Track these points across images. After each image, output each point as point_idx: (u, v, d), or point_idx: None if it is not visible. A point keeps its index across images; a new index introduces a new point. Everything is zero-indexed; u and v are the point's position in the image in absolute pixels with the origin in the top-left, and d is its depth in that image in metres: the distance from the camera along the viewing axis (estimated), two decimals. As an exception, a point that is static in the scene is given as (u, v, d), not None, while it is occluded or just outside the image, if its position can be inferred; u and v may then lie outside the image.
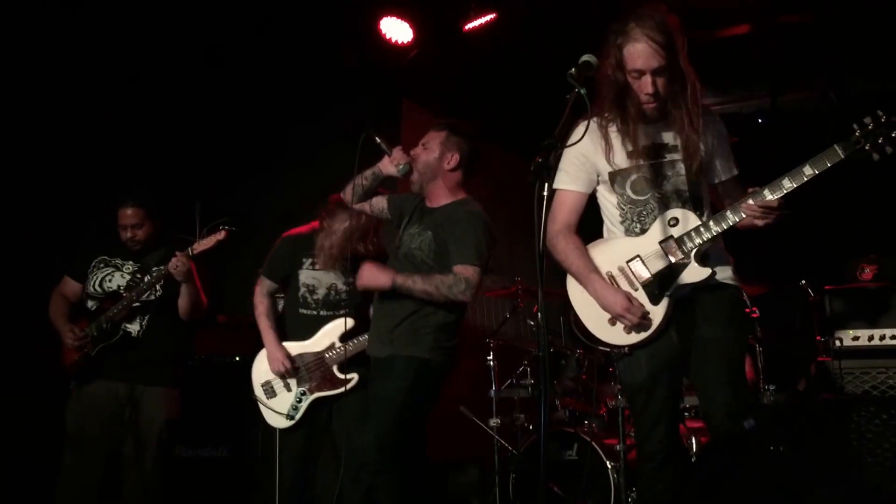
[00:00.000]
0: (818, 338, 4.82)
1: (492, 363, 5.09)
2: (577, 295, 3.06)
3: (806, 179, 2.69)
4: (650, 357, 2.94)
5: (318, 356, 4.20)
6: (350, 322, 4.19)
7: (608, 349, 2.99)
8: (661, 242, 2.89)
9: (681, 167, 2.90)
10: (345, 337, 4.18)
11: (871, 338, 4.63)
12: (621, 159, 2.93)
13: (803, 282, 4.85)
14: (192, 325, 4.43)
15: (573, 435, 4.75)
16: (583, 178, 3.01)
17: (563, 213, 3.01)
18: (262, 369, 4.26)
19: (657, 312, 2.90)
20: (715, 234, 2.84)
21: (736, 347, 2.95)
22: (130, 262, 4.35)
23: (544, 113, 3.01)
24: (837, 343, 4.63)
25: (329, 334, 4.21)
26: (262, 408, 4.23)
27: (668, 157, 2.90)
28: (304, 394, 4.19)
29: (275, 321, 4.27)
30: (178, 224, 4.31)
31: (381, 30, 5.68)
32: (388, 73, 5.96)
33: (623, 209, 2.97)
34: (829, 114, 6.21)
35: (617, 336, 2.96)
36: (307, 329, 4.24)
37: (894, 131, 2.47)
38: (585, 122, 2.77)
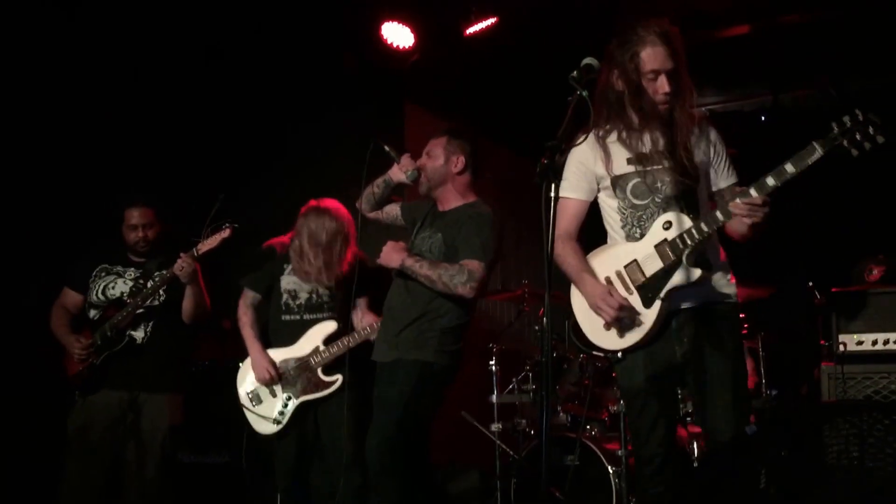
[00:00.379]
0: (822, 342, 4.81)
1: (494, 368, 5.08)
2: (577, 301, 3.10)
3: (789, 177, 2.74)
4: (648, 362, 2.96)
5: (303, 360, 4.23)
6: (333, 325, 4.24)
7: (603, 354, 3.03)
8: (655, 245, 2.92)
9: (679, 173, 2.94)
10: (329, 340, 4.22)
11: (874, 342, 4.61)
12: (621, 165, 2.99)
13: (811, 284, 4.83)
14: (195, 330, 4.43)
15: (575, 440, 4.73)
16: (583, 186, 3.08)
17: (563, 220, 3.06)
18: (247, 378, 4.30)
19: (649, 315, 2.93)
20: (706, 233, 2.86)
21: (742, 377, 3.02)
22: (132, 269, 4.34)
23: (547, 115, 3.03)
24: (841, 347, 4.62)
25: (313, 338, 4.24)
26: (248, 416, 4.26)
27: (667, 163, 2.95)
28: (289, 398, 4.21)
29: (259, 331, 4.32)
30: (180, 226, 4.32)
31: (382, 35, 5.69)
32: (390, 77, 5.96)
33: (624, 214, 3.02)
34: (830, 110, 6.21)
35: (611, 341, 3.00)
36: (291, 334, 4.27)
37: (870, 127, 2.53)
38: (584, 133, 2.84)
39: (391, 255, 3.66)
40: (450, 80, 6.18)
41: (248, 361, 4.31)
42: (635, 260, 2.96)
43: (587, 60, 2.69)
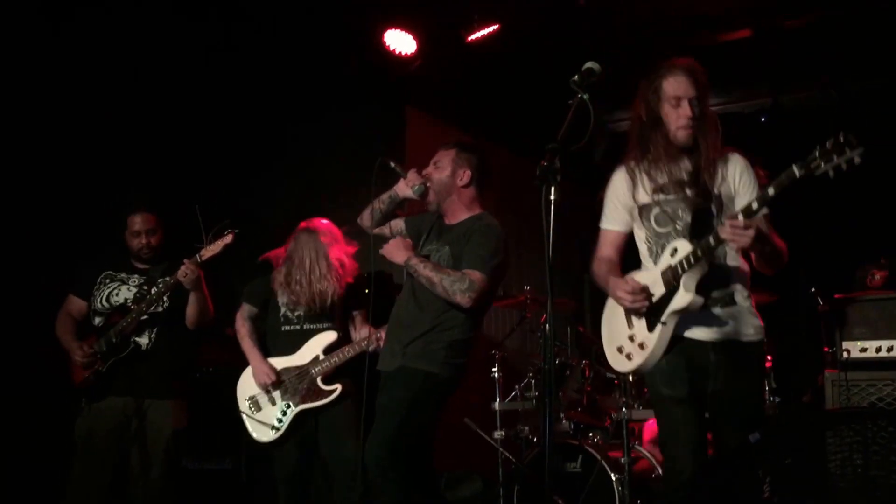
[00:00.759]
0: (825, 349, 4.78)
1: (496, 375, 5.07)
2: (604, 323, 3.26)
3: (770, 199, 2.78)
4: (687, 381, 3.04)
5: (303, 369, 4.24)
6: (333, 335, 4.26)
7: (616, 375, 3.17)
8: (661, 272, 3.01)
9: (699, 202, 3.04)
10: (328, 350, 4.24)
11: (878, 349, 4.59)
12: (645, 195, 3.12)
13: (813, 290, 4.81)
14: (198, 336, 4.44)
15: (578, 447, 4.72)
16: (620, 217, 3.23)
17: (603, 249, 3.26)
18: (247, 385, 4.31)
19: (651, 338, 3.02)
20: (701, 257, 2.91)
21: (759, 410, 3.22)
22: (136, 276, 4.35)
23: (549, 119, 3.05)
24: (845, 354, 4.60)
25: (313, 348, 4.26)
26: (247, 423, 4.26)
27: (688, 192, 3.05)
28: (288, 406, 4.22)
29: (258, 341, 4.34)
30: (181, 231, 4.33)
31: (384, 41, 5.71)
32: (392, 82, 5.98)
33: (650, 243, 3.14)
34: (830, 111, 6.23)
35: (621, 364, 3.15)
36: (291, 344, 4.29)
37: (847, 149, 2.57)
38: (620, 165, 3.12)
39: (397, 251, 3.68)
40: (451, 86, 6.19)
41: (248, 370, 4.32)
42: (646, 286, 3.03)
43: (588, 64, 2.74)
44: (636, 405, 4.82)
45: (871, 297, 4.73)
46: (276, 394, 4.24)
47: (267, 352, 4.33)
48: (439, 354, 3.57)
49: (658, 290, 3.01)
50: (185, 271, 4.07)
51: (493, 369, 5.08)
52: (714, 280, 3.01)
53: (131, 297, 4.28)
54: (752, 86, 6.56)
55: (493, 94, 6.39)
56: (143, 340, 4.23)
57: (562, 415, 5.01)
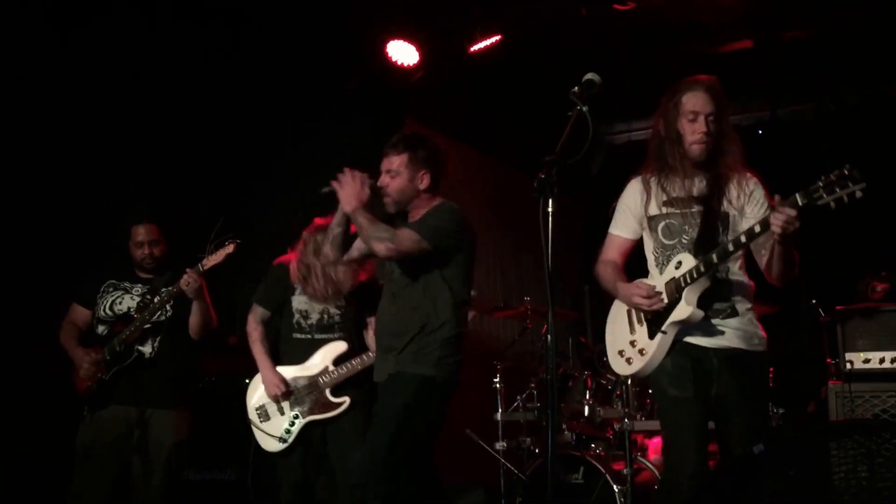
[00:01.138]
0: (828, 360, 4.77)
1: (498, 386, 5.06)
2: (608, 325, 3.33)
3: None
4: (691, 381, 3.08)
5: (312, 380, 4.22)
6: (343, 346, 4.23)
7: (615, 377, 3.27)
8: (665, 283, 3.09)
9: (707, 218, 3.10)
10: (338, 360, 4.21)
11: (882, 360, 4.57)
12: (656, 207, 3.19)
13: (814, 301, 4.80)
14: (201, 346, 4.43)
15: (580, 458, 4.70)
16: (628, 225, 3.29)
17: (608, 252, 3.33)
18: (256, 393, 4.29)
19: (651, 346, 3.11)
20: (703, 272, 2.99)
21: (764, 419, 3.29)
22: (139, 285, 4.37)
23: (549, 131, 3.05)
24: (848, 366, 4.58)
25: (323, 358, 4.24)
26: (255, 432, 4.25)
27: (697, 207, 3.11)
28: (297, 417, 4.20)
29: (269, 347, 4.31)
30: (183, 241, 4.33)
31: (387, 52, 5.72)
32: (393, 93, 5.99)
33: (657, 253, 3.20)
34: (828, 124, 6.25)
35: (621, 367, 3.25)
36: (301, 353, 4.26)
37: (850, 183, 2.64)
38: (634, 176, 3.21)
39: (352, 196, 3.46)
40: (452, 97, 6.20)
41: (257, 377, 4.29)
42: (655, 287, 3.10)
43: (588, 76, 2.75)
44: (638, 416, 4.80)
45: (875, 308, 4.72)
46: (286, 404, 4.22)
47: (278, 358, 4.30)
48: (433, 355, 3.43)
49: (663, 297, 3.09)
50: (188, 280, 4.07)
51: (495, 380, 5.07)
52: (718, 293, 3.08)
53: (134, 306, 4.29)
54: (751, 98, 6.57)
55: (494, 105, 6.40)
56: (147, 349, 4.24)
57: (564, 426, 5.00)
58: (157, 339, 4.25)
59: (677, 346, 3.09)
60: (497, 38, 5.61)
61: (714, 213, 3.09)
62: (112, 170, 5.34)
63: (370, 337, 4.32)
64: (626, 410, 4.73)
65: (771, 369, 4.80)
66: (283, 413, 4.22)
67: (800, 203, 2.72)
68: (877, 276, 5.12)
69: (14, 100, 4.93)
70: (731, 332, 3.08)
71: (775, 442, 4.62)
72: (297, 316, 4.28)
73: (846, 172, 2.64)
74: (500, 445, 4.96)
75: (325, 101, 5.98)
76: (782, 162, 5.64)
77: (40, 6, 4.94)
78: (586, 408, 4.99)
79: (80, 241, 5.05)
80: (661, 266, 3.17)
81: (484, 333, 6.59)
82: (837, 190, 2.64)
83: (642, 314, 3.17)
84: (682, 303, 3.02)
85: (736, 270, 3.13)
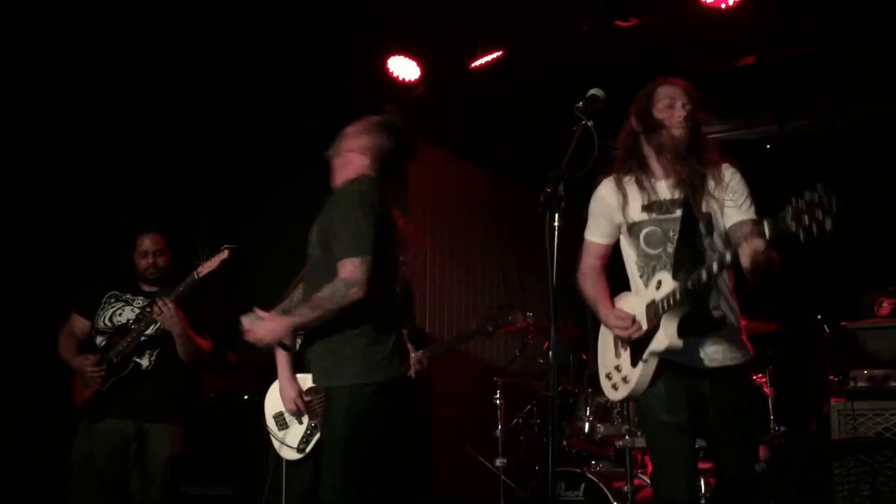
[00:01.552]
0: (831, 377, 4.74)
1: (498, 402, 5.03)
2: (599, 344, 3.19)
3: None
4: (687, 403, 2.98)
5: None
6: None
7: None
8: (647, 305, 2.94)
9: (688, 224, 2.96)
10: None
11: (886, 378, 4.54)
12: (636, 212, 3.05)
13: (819, 317, 4.77)
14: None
15: (580, 475, 4.67)
16: (605, 230, 3.15)
17: (587, 259, 3.18)
18: (274, 401, 4.18)
19: (634, 373, 2.97)
20: (682, 299, 2.82)
21: (752, 440, 3.22)
22: (141, 297, 4.34)
23: (552, 146, 3.04)
24: (851, 383, 4.55)
25: None
26: (272, 439, 4.18)
27: (677, 212, 2.98)
28: (315, 427, 4.14)
29: (292, 356, 4.17)
30: (184, 255, 4.33)
31: (388, 68, 5.73)
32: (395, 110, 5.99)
33: (640, 263, 3.05)
34: (836, 138, 6.25)
35: (609, 391, 3.13)
36: None
37: (819, 211, 2.36)
38: (604, 176, 3.06)
39: (272, 329, 3.16)
40: (453, 112, 6.21)
41: (276, 384, 4.16)
42: (633, 317, 2.96)
43: (593, 91, 2.73)
44: (639, 433, 4.77)
45: (879, 325, 4.70)
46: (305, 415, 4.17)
47: (300, 363, 4.13)
48: (357, 362, 3.12)
49: (643, 323, 2.94)
50: (160, 309, 4.03)
51: (495, 396, 5.04)
52: (702, 307, 2.92)
53: (133, 317, 4.27)
54: (758, 113, 6.58)
55: (495, 120, 6.40)
56: (144, 362, 4.21)
57: (564, 442, 4.97)
58: (155, 351, 4.22)
59: (668, 371, 2.95)
60: (498, 53, 5.62)
61: (695, 218, 2.95)
62: (114, 176, 5.36)
63: None
64: (627, 427, 4.70)
65: (771, 392, 4.78)
66: (301, 422, 4.12)
67: (767, 234, 2.55)
68: (883, 292, 5.08)
69: (17, 107, 4.95)
70: (721, 349, 2.94)
71: (777, 460, 4.60)
72: None
73: (816, 199, 2.37)
74: (499, 462, 4.92)
75: (325, 117, 5.98)
76: (790, 176, 5.65)
77: (46, 13, 4.95)
78: (587, 424, 4.96)
79: (81, 246, 5.07)
80: (648, 278, 3.00)
81: (484, 348, 6.57)
82: (806, 219, 2.38)
83: (626, 339, 3.01)
84: (661, 333, 2.86)
85: (723, 275, 2.96)
